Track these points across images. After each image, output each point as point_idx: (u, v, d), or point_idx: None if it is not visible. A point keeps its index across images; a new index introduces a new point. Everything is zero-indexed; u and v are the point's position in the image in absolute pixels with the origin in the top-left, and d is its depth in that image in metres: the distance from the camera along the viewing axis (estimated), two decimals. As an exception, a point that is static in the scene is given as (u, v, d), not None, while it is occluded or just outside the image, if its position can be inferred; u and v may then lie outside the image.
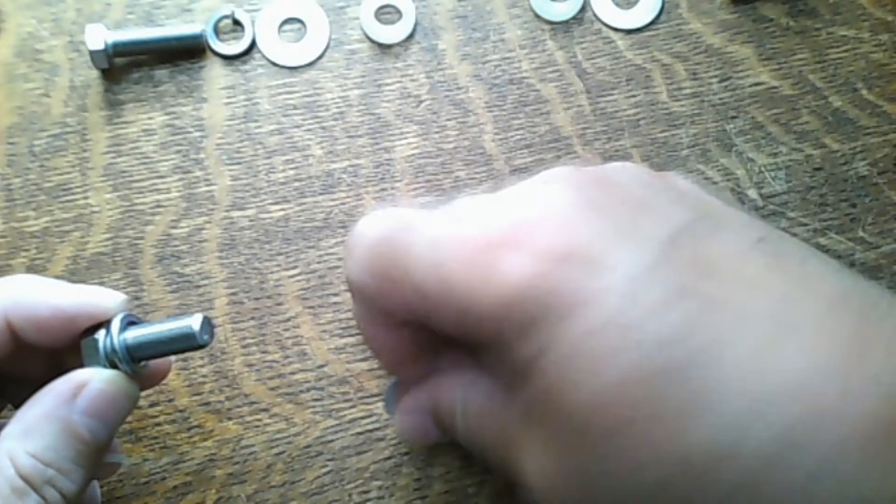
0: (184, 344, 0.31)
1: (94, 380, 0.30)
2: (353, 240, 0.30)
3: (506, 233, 0.27)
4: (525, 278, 0.25)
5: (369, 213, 0.31)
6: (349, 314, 0.41)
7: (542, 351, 0.25)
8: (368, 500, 0.38)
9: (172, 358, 0.35)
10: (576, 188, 0.28)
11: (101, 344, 0.31)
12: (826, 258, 0.28)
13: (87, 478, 0.30)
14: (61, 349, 0.32)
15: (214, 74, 0.45)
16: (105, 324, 0.31)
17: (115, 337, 0.31)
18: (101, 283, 0.41)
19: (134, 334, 0.31)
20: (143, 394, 0.39)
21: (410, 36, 0.46)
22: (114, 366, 0.31)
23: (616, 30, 0.46)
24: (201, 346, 0.31)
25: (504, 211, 0.28)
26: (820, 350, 0.24)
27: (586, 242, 0.26)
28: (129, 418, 0.39)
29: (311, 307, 0.41)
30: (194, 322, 0.30)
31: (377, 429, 0.39)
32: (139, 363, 0.31)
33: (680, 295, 0.25)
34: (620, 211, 0.27)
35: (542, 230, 0.26)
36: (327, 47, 0.45)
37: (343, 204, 0.43)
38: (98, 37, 0.43)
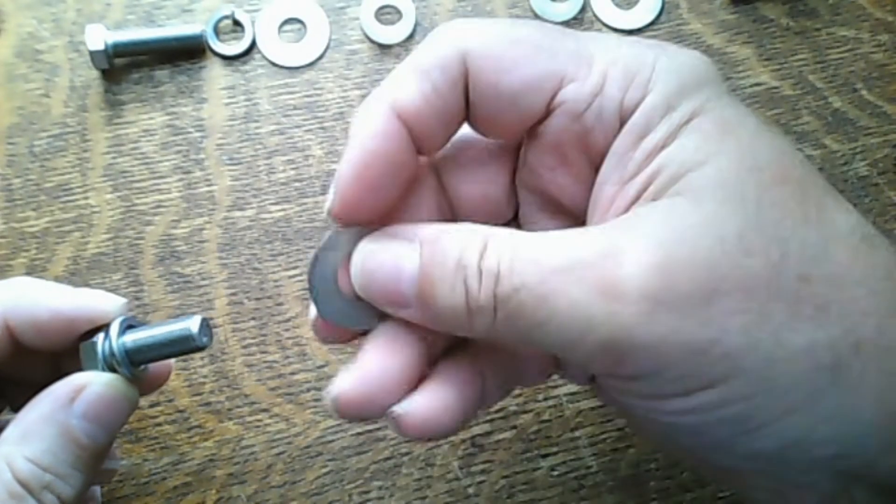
0: (183, 346, 0.30)
1: (92, 383, 0.30)
2: (474, 20, 0.28)
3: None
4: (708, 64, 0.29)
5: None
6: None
7: (706, 106, 0.27)
8: (368, 500, 0.38)
9: (172, 362, 0.35)
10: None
11: (99, 347, 0.30)
12: None
13: (86, 482, 0.29)
14: (61, 353, 0.32)
15: (214, 75, 0.45)
16: (104, 327, 0.31)
17: (113, 340, 0.30)
18: (102, 284, 0.41)
19: (133, 337, 0.31)
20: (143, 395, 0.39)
21: (410, 36, 0.46)
22: (112, 369, 0.30)
23: (616, 30, 0.46)
24: (200, 349, 0.31)
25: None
26: None
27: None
28: (130, 419, 0.39)
29: (312, 307, 0.41)
30: (193, 324, 0.30)
31: (377, 429, 0.39)
32: (138, 366, 0.31)
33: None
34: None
35: None
36: (327, 47, 0.45)
37: (343, 204, 0.43)
38: (98, 37, 0.43)
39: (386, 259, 0.26)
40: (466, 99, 0.28)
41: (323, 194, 0.43)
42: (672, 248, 0.24)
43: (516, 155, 0.30)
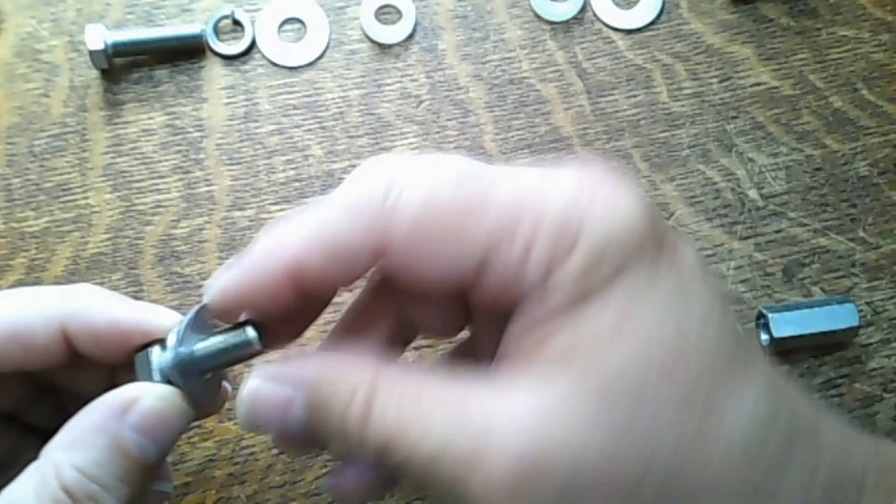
0: (240, 353, 0.29)
1: (146, 395, 0.29)
2: (387, 203, 0.26)
3: (606, 170, 0.27)
4: (647, 219, 0.26)
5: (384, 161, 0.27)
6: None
7: (623, 275, 0.26)
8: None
9: (229, 388, 0.34)
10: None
11: (154, 358, 0.29)
12: None
13: (133, 498, 0.28)
14: (117, 365, 0.31)
15: (214, 74, 0.45)
16: (160, 340, 0.30)
17: (169, 351, 0.29)
18: (101, 283, 0.41)
19: (188, 349, 0.29)
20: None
21: (410, 36, 0.46)
22: (168, 382, 0.29)
23: (616, 30, 0.46)
24: (258, 353, 0.29)
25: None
26: None
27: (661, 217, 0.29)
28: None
29: (311, 307, 0.41)
30: (249, 330, 0.29)
31: (377, 429, 0.39)
32: (195, 378, 0.30)
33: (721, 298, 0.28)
34: None
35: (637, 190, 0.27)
36: (327, 47, 0.45)
37: (343, 204, 0.43)
38: (98, 37, 0.43)
39: (274, 404, 0.27)
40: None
41: (323, 194, 0.43)
42: (540, 443, 0.24)
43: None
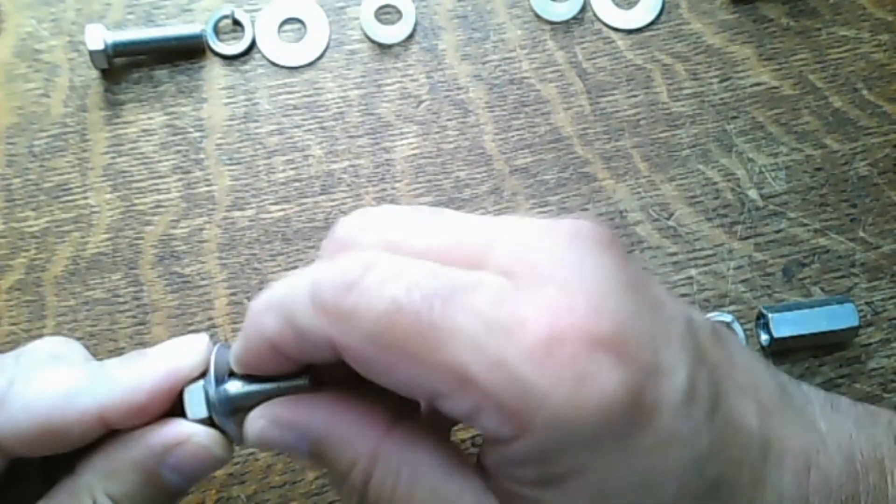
0: (290, 393, 0.29)
1: (190, 441, 0.29)
2: (347, 297, 0.24)
3: (583, 326, 0.23)
4: (624, 392, 0.23)
5: (369, 265, 0.25)
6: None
7: (587, 466, 0.24)
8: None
9: None
10: (613, 260, 0.26)
11: (201, 395, 0.29)
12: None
13: None
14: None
15: (214, 74, 0.45)
16: (205, 373, 0.29)
17: (211, 389, 0.29)
18: (101, 283, 0.41)
19: (236, 386, 0.29)
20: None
21: (410, 36, 0.46)
22: (210, 419, 0.29)
23: (616, 30, 0.46)
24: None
25: (562, 281, 0.24)
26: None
27: (650, 331, 0.25)
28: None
29: (311, 307, 0.41)
30: (305, 378, 0.28)
31: (377, 429, 0.39)
32: (236, 416, 0.29)
33: (712, 411, 0.25)
34: (646, 294, 0.26)
35: (622, 316, 0.24)
36: (327, 47, 0.45)
37: (343, 204, 0.43)
38: (98, 37, 0.43)
39: (279, 445, 0.28)
40: None
41: (322, 194, 0.43)
42: None
43: None
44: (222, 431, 0.29)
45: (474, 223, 0.26)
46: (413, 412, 0.29)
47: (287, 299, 0.26)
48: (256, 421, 0.28)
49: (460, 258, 0.25)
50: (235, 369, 0.28)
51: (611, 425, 0.23)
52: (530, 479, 0.25)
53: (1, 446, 0.28)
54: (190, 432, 0.29)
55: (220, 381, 0.29)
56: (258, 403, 0.28)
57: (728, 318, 0.41)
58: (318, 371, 0.28)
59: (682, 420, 0.24)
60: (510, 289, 0.24)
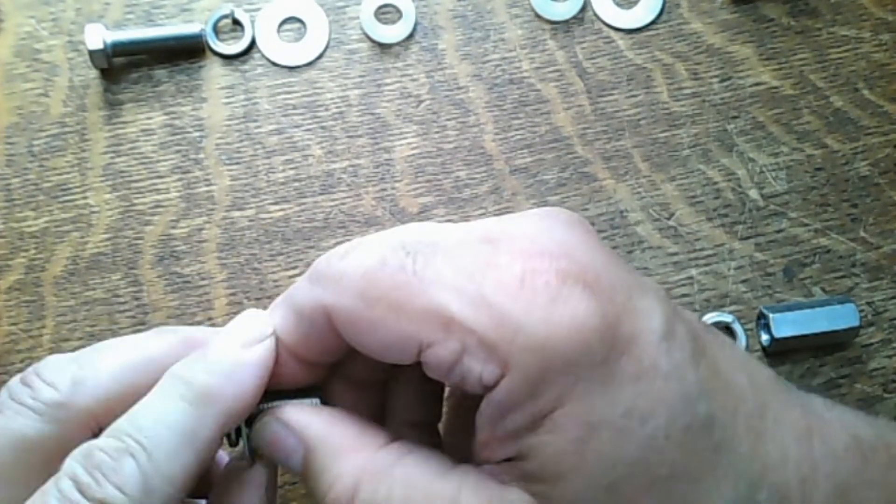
0: None
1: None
2: (339, 262, 0.27)
3: (554, 262, 0.25)
4: (597, 318, 0.24)
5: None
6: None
7: (572, 394, 0.24)
8: (368, 500, 0.38)
9: None
10: (585, 231, 0.28)
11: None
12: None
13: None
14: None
15: (214, 74, 0.45)
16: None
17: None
18: (101, 284, 0.41)
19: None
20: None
21: (410, 36, 0.46)
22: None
23: (617, 29, 0.46)
24: None
25: (534, 237, 0.26)
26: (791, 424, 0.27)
27: (624, 281, 0.26)
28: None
29: (311, 307, 0.41)
30: (315, 401, 0.30)
31: (377, 429, 0.39)
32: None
33: (695, 356, 0.26)
34: (619, 259, 0.28)
35: (593, 264, 0.25)
36: (327, 47, 0.45)
37: (343, 204, 0.43)
38: (97, 36, 0.43)
39: (280, 448, 0.29)
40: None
41: (322, 194, 0.43)
42: None
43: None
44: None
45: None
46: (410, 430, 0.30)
47: (289, 291, 0.29)
48: (266, 421, 0.29)
49: None
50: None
51: (587, 349, 0.24)
52: (522, 423, 0.25)
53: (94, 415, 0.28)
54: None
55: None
56: None
57: (728, 318, 0.41)
58: (328, 395, 0.30)
59: (662, 354, 0.25)
60: (488, 246, 0.26)
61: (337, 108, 0.44)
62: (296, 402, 0.29)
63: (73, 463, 0.26)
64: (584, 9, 0.46)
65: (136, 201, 0.42)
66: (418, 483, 0.26)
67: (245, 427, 0.30)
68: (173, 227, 0.42)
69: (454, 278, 0.25)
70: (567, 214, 0.28)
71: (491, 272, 0.25)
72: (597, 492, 0.24)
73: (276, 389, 0.29)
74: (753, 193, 0.43)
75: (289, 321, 0.28)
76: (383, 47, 0.45)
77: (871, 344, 0.41)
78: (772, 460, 0.26)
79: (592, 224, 0.38)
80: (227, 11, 0.45)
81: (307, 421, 0.28)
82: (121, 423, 0.27)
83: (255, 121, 0.44)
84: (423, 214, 0.43)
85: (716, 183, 0.43)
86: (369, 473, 0.27)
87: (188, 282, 0.41)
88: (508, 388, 0.25)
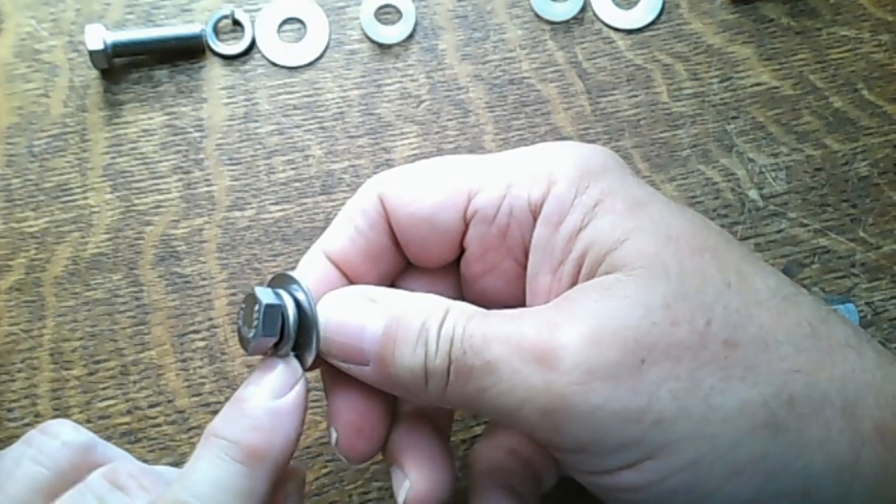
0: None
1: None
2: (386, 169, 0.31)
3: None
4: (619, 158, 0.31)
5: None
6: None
7: (614, 186, 0.29)
8: (368, 500, 0.38)
9: None
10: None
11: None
12: None
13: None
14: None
15: (214, 74, 0.45)
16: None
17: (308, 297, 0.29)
18: (101, 284, 0.41)
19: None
20: (143, 395, 0.39)
21: (410, 36, 0.46)
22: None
23: (616, 30, 0.46)
24: None
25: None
26: None
27: None
28: (129, 419, 0.39)
29: (311, 308, 0.41)
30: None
31: (377, 429, 0.39)
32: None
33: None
34: None
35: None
36: (327, 47, 0.45)
37: (343, 204, 0.43)
38: (97, 37, 0.43)
39: (350, 317, 0.28)
40: (394, 236, 0.30)
41: (322, 194, 0.43)
42: (603, 321, 0.26)
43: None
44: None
45: None
46: None
47: (343, 208, 0.32)
48: (343, 294, 0.29)
49: None
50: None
51: (616, 161, 0.30)
52: (577, 220, 0.28)
53: None
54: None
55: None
56: None
57: (728, 318, 0.41)
58: None
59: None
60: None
61: (337, 108, 0.44)
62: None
63: None
64: (584, 9, 0.46)
65: (136, 201, 0.42)
66: (497, 313, 0.27)
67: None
68: (174, 228, 0.42)
69: (495, 158, 0.30)
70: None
71: (520, 153, 0.30)
72: (657, 246, 0.26)
73: None
74: (753, 194, 0.43)
75: (343, 232, 0.30)
76: (383, 47, 0.45)
77: (871, 344, 0.41)
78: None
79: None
80: (227, 12, 0.45)
81: (387, 292, 0.29)
82: (176, 491, 0.26)
83: (256, 121, 0.44)
84: (423, 215, 0.43)
85: (715, 183, 0.43)
86: (457, 306, 0.27)
87: (188, 282, 0.41)
88: (557, 195, 0.28)
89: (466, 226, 0.29)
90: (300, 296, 0.29)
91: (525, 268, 0.29)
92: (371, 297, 0.28)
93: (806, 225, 0.43)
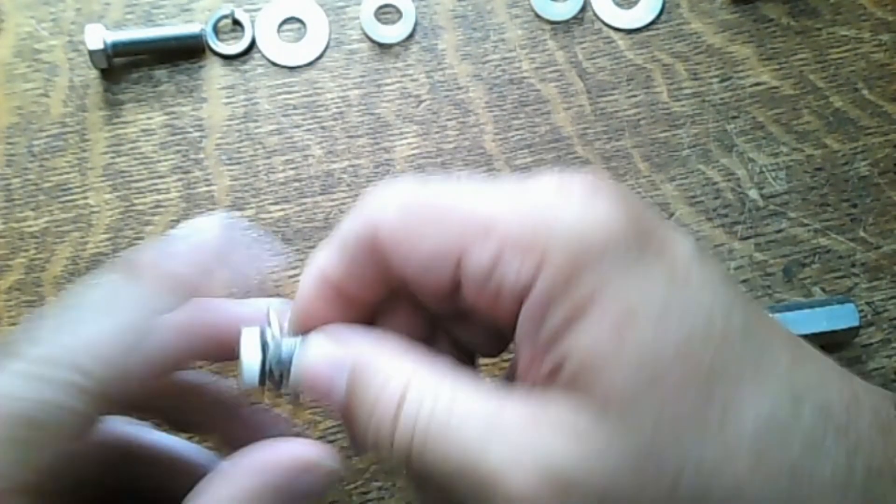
0: None
1: (324, 463, 0.29)
2: (384, 187, 0.28)
3: (588, 176, 0.27)
4: (630, 219, 0.26)
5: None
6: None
7: (607, 285, 0.25)
8: (368, 500, 0.38)
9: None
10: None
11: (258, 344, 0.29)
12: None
13: None
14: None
15: (214, 74, 0.45)
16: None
17: (283, 342, 0.29)
18: (101, 284, 0.41)
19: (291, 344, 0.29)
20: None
21: (410, 36, 0.46)
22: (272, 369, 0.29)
23: (616, 29, 0.46)
24: None
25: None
26: None
27: (653, 210, 0.30)
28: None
29: (311, 307, 0.41)
30: None
31: (377, 429, 0.39)
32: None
33: (726, 278, 0.27)
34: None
35: (627, 195, 0.27)
36: (327, 47, 0.45)
37: (343, 204, 0.43)
38: (97, 37, 0.43)
39: (324, 371, 0.28)
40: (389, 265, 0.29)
41: (322, 194, 0.43)
42: (565, 470, 0.24)
43: None
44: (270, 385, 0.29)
45: None
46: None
47: (338, 227, 0.29)
48: (317, 340, 0.29)
49: None
50: (294, 329, 0.30)
51: (620, 242, 0.25)
52: (561, 318, 0.25)
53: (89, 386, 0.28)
54: (320, 456, 0.30)
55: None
56: None
57: (728, 318, 0.41)
58: None
59: (694, 266, 0.26)
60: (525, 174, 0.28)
61: (337, 108, 0.44)
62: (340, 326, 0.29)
63: None
64: (584, 9, 0.46)
65: (136, 201, 0.42)
66: (464, 396, 0.26)
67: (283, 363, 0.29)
68: (173, 227, 0.42)
69: (494, 190, 0.27)
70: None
71: (528, 183, 0.27)
72: (638, 385, 0.24)
73: None
74: (753, 193, 0.43)
75: (335, 253, 0.29)
76: (383, 47, 0.45)
77: (871, 344, 0.41)
78: (813, 381, 0.26)
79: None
80: (227, 11, 0.45)
81: (356, 336, 0.28)
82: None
83: (256, 121, 0.44)
84: (423, 214, 0.43)
85: (715, 183, 0.43)
86: (418, 380, 0.27)
87: (188, 282, 0.41)
88: (545, 282, 0.25)
89: (457, 283, 0.28)
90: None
91: (513, 321, 0.28)
92: (341, 362, 0.28)
93: (806, 225, 0.43)
